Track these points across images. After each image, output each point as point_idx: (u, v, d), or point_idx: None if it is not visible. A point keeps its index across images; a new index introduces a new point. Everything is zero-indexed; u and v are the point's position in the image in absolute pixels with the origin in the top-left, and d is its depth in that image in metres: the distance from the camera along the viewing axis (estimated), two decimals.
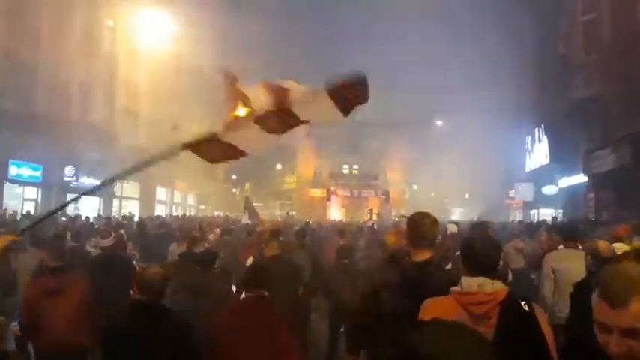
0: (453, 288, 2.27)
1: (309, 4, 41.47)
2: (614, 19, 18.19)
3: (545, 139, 24.52)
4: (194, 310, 4.75)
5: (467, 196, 45.94)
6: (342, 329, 6.64)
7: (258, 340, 3.39)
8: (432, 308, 2.24)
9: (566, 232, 5.47)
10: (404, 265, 3.00)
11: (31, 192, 20.31)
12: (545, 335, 2.14)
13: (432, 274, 2.81)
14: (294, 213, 38.40)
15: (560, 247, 5.42)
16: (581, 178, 19.75)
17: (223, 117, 3.26)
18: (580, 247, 5.32)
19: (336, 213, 43.67)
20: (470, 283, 2.24)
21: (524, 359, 2.08)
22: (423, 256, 2.90)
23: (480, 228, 6.08)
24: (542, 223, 14.62)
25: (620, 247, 4.42)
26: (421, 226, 2.96)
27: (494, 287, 2.22)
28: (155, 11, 25.77)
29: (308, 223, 18.59)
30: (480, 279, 2.24)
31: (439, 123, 46.00)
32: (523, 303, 2.21)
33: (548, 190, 24.70)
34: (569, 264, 5.04)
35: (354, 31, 48.51)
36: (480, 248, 2.35)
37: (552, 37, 24.13)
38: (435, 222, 3.03)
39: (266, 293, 3.70)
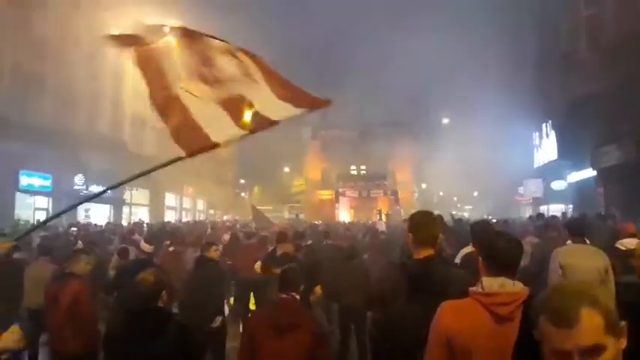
0: (472, 289, 2.23)
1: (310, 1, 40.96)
2: (617, 15, 18.02)
3: (552, 135, 24.35)
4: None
5: (475, 194, 45.68)
6: (352, 328, 6.66)
7: (290, 339, 3.45)
8: (452, 310, 2.21)
9: (574, 228, 5.41)
10: (407, 263, 3.05)
11: (42, 201, 20.50)
12: None
13: (434, 271, 2.90)
14: (302, 215, 38.35)
15: (569, 242, 5.38)
16: (590, 173, 19.59)
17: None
18: (588, 242, 5.31)
19: (345, 214, 43.48)
20: (491, 283, 2.20)
21: None
22: (425, 253, 2.97)
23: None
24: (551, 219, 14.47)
25: (631, 243, 4.48)
26: (422, 225, 3.05)
27: (516, 288, 2.19)
28: (160, 17, 25.88)
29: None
30: (501, 279, 2.20)
31: (446, 121, 45.77)
32: None
33: (558, 185, 24.53)
34: (578, 260, 5.02)
35: (358, 31, 48.55)
36: (503, 248, 2.31)
37: (555, 34, 24.01)
38: (435, 221, 3.13)
39: (297, 296, 3.73)
